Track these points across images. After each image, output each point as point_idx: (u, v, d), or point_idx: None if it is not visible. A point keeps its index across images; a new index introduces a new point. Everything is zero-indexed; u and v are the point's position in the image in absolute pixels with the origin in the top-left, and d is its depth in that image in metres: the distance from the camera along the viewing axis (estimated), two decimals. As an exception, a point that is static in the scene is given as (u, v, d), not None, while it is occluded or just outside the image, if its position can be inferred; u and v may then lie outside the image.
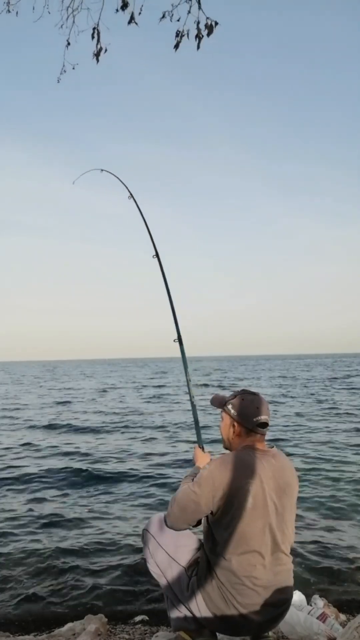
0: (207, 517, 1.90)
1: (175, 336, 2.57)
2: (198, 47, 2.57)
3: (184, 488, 1.89)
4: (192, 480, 1.93)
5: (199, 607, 1.90)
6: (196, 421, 2.38)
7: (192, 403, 2.45)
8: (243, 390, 2.02)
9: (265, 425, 1.93)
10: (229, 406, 1.97)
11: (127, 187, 3.13)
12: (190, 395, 2.44)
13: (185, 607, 1.95)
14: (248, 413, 1.91)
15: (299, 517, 4.77)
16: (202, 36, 2.56)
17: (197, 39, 2.57)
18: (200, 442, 2.30)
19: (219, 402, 2.04)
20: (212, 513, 1.86)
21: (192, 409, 2.42)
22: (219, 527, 1.85)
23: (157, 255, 2.78)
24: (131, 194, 3.08)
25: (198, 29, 2.53)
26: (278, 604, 1.88)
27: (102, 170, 3.37)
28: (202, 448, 2.25)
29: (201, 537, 2.01)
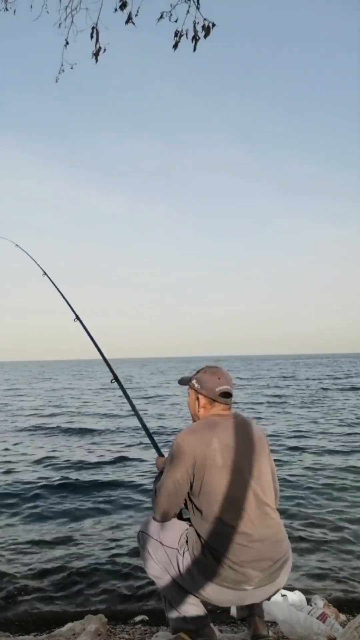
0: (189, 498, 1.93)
1: (112, 377, 2.77)
2: (194, 49, 2.56)
3: (161, 477, 1.95)
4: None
5: (198, 582, 1.87)
6: (150, 436, 2.48)
7: (143, 426, 2.53)
8: (206, 365, 2.14)
9: (227, 395, 2.03)
10: (193, 381, 2.09)
11: (39, 266, 3.22)
12: (140, 421, 2.54)
13: (189, 590, 1.93)
14: (210, 384, 2.02)
15: (298, 518, 4.78)
16: (199, 38, 2.55)
17: (194, 41, 2.56)
18: (159, 452, 2.36)
19: (185, 381, 2.16)
20: (190, 484, 1.89)
21: (145, 432, 2.51)
22: (199, 494, 1.87)
23: (78, 318, 2.94)
24: (44, 272, 3.19)
25: (195, 30, 2.52)
26: (275, 557, 1.87)
27: (16, 245, 3.47)
28: (163, 455, 2.29)
29: None
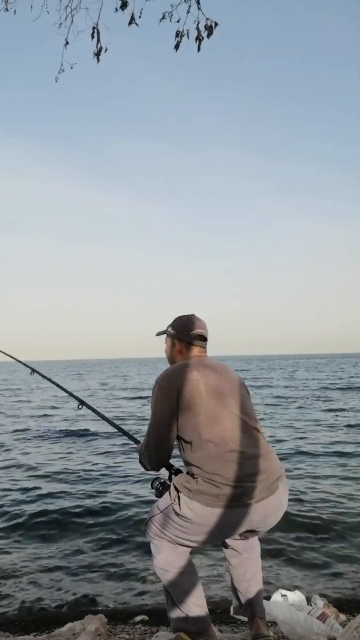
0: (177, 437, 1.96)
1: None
2: (199, 49, 2.55)
3: (148, 423, 1.99)
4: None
5: (204, 517, 1.81)
6: (123, 431, 2.50)
7: (116, 427, 2.57)
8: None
9: (202, 338, 2.14)
10: (169, 329, 2.19)
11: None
12: (112, 425, 2.60)
13: (204, 540, 1.90)
14: (185, 328, 2.13)
15: (297, 519, 4.78)
16: (203, 38, 2.55)
17: (198, 41, 2.55)
18: (135, 441, 2.36)
19: (161, 331, 2.24)
20: (177, 418, 1.91)
21: (119, 430, 2.53)
22: (186, 425, 1.89)
23: (34, 371, 3.06)
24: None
25: (198, 30, 2.52)
26: (269, 471, 1.88)
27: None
28: (139, 442, 2.29)
29: None
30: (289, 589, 2.74)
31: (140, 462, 2.11)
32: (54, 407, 16.92)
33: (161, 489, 2.07)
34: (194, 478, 1.86)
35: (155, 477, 2.16)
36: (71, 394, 2.86)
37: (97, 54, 2.65)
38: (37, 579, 3.59)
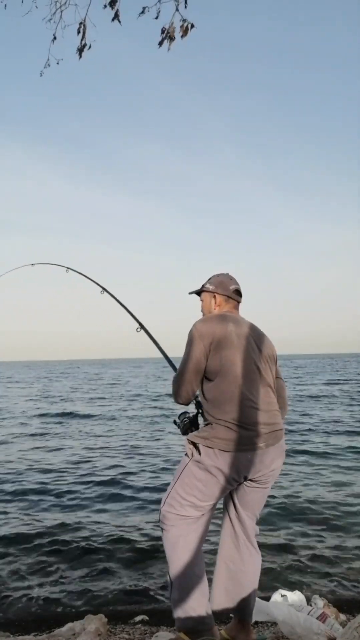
0: (202, 378, 2.09)
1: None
2: (160, 45, 2.43)
3: (180, 362, 2.11)
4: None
5: (221, 460, 1.95)
6: (168, 359, 2.64)
7: (163, 352, 2.73)
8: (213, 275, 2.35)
9: (239, 293, 2.30)
10: (207, 285, 2.32)
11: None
12: (159, 348, 2.75)
13: (216, 485, 1.98)
14: (225, 283, 2.29)
15: (297, 519, 4.78)
16: (174, 38, 2.39)
17: (169, 40, 2.40)
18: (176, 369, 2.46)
19: (198, 290, 2.35)
20: (207, 360, 2.05)
21: (165, 358, 2.68)
22: (216, 368, 2.03)
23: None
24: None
25: (169, 31, 2.39)
26: (276, 426, 2.06)
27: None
28: None
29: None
30: (289, 589, 2.73)
31: (172, 391, 2.22)
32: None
33: (187, 422, 2.23)
34: (209, 425, 2.02)
35: (183, 411, 2.30)
36: (133, 316, 2.92)
37: (80, 50, 2.64)
38: (37, 579, 3.59)
